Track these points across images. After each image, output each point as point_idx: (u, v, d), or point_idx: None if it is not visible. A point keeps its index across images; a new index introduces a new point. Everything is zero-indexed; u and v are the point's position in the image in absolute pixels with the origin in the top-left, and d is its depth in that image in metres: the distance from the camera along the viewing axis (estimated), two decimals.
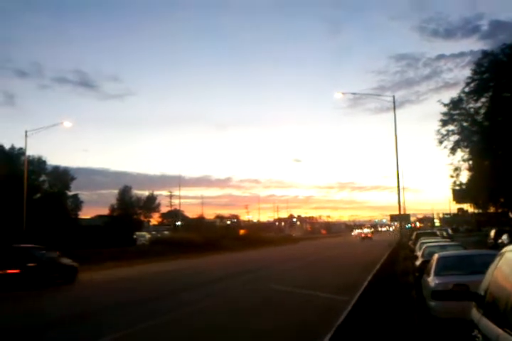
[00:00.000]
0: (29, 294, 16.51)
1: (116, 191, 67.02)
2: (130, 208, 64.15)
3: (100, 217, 64.49)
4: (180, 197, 79.64)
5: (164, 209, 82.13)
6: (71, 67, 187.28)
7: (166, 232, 70.09)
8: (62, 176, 54.84)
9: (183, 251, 40.33)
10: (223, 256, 39.01)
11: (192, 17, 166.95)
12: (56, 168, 54.45)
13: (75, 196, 57.51)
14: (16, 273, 17.32)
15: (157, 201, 71.54)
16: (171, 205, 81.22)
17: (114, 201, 65.42)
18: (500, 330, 3.38)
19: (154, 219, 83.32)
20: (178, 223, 79.24)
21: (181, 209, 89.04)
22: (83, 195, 75.27)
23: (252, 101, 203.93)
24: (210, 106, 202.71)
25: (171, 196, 79.55)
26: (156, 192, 73.42)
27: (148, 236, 62.66)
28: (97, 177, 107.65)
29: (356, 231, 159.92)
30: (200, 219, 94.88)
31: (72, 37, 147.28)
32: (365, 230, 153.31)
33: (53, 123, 35.81)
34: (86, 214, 69.49)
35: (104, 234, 44.99)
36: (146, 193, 71.03)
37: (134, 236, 56.24)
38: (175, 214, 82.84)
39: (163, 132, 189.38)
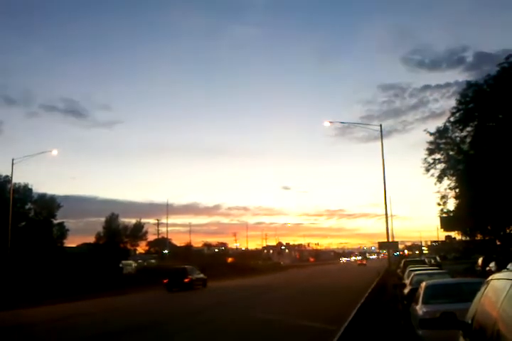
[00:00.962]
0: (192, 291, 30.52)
1: (103, 219, 66.21)
2: (117, 236, 63.24)
3: (86, 245, 63.49)
4: (167, 225, 78.96)
5: (151, 238, 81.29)
6: (60, 95, 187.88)
7: (152, 261, 69.09)
8: (49, 204, 54.22)
9: None
10: (210, 285, 38.35)
11: (181, 48, 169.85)
12: (42, 196, 53.90)
13: (61, 224, 56.75)
14: (188, 282, 32.97)
15: (144, 229, 70.79)
16: (158, 233, 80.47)
17: (100, 229, 64.64)
18: None
19: (141, 248, 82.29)
20: (166, 251, 78.22)
21: (169, 237, 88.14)
22: (70, 222, 74.57)
23: (240, 130, 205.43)
24: (198, 134, 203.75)
25: (158, 224, 78.89)
26: (143, 220, 72.68)
27: (134, 264, 61.70)
28: (84, 205, 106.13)
29: (344, 259, 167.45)
30: (188, 247, 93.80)
31: (62, 65, 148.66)
32: (353, 258, 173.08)
33: (41, 151, 35.72)
34: (72, 242, 68.47)
35: (89, 262, 44.22)
36: (133, 221, 70.26)
37: (120, 265, 55.35)
38: (162, 242, 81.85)
39: (152, 160, 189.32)
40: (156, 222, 78.77)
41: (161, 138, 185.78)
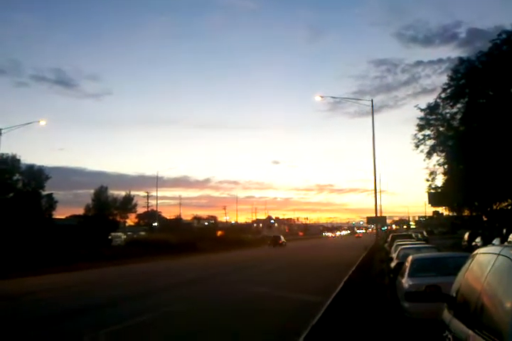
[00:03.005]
0: None
1: (92, 191, 65.75)
2: (106, 208, 62.92)
3: (75, 217, 63.27)
4: (157, 198, 79.15)
5: (141, 210, 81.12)
6: (50, 65, 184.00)
7: (142, 233, 69.28)
8: (37, 175, 53.66)
9: (158, 253, 39.92)
10: (198, 258, 38.66)
11: (173, 18, 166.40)
12: (30, 167, 53.26)
13: (50, 195, 56.31)
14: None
15: (134, 201, 70.27)
16: (148, 206, 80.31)
17: (89, 201, 64.35)
18: (470, 331, 3.38)
19: (131, 220, 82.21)
20: (155, 224, 78.42)
21: (159, 210, 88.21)
22: (58, 194, 74.04)
23: (232, 103, 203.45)
24: (189, 107, 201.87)
25: (148, 196, 78.62)
26: (133, 193, 72.06)
27: (123, 236, 61.91)
28: (73, 176, 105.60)
29: (328, 234, 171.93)
30: (177, 220, 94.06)
31: (51, 35, 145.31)
32: (338, 233, 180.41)
33: (29, 121, 35.13)
34: (61, 214, 68.20)
35: (78, 234, 44.27)
36: (123, 193, 69.91)
37: (110, 237, 55.54)
38: (151, 215, 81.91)
39: (142, 132, 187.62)
40: (146, 194, 78.63)
41: (152, 110, 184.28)
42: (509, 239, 24.34)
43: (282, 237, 70.26)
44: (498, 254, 3.41)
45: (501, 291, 3.02)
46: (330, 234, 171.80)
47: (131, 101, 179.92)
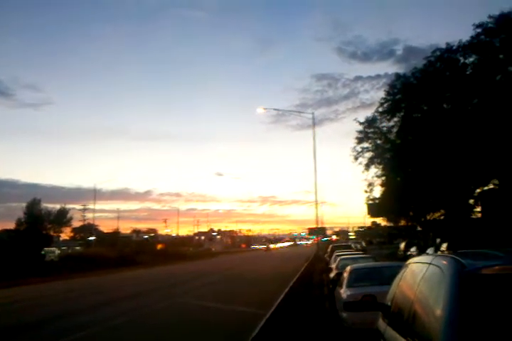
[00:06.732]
0: None
1: (25, 204, 62.55)
2: (39, 222, 59.98)
3: (6, 231, 60.02)
4: (94, 211, 76.42)
5: (77, 224, 78.13)
6: None
7: (77, 248, 66.73)
8: None
9: (94, 268, 38.46)
10: (135, 273, 37.53)
11: (118, 28, 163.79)
12: None
13: None
14: None
15: (69, 215, 67.25)
16: (84, 219, 77.56)
17: (21, 214, 61.15)
18: (403, 339, 3.37)
19: (65, 234, 78.60)
20: (91, 238, 75.67)
21: (96, 223, 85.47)
22: None
23: (174, 115, 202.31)
24: (131, 118, 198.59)
25: (84, 209, 76.02)
26: (69, 206, 69.29)
27: (58, 251, 59.48)
28: (5, 189, 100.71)
29: (258, 246, 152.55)
30: (115, 234, 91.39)
31: None
32: (263, 246, 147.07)
33: None
34: None
35: (9, 250, 41.90)
36: (58, 207, 67.04)
37: (43, 252, 53.08)
38: (88, 228, 79.07)
39: (81, 143, 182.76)
40: (83, 207, 75.90)
41: (92, 121, 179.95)
42: (442, 249, 25.31)
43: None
44: (430, 264, 3.45)
45: (432, 300, 3.02)
46: (258, 246, 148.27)
47: (72, 111, 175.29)
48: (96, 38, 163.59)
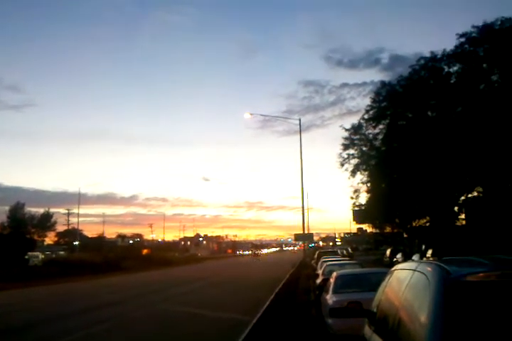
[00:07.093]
0: None
1: (7, 208, 61.69)
2: (22, 226, 59.15)
3: None
4: (78, 215, 75.45)
5: (61, 228, 77.09)
6: None
7: (61, 252, 65.96)
8: None
9: (78, 273, 37.97)
10: (119, 278, 37.08)
11: (104, 31, 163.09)
12: None
13: None
14: None
15: (53, 219, 66.44)
16: (69, 224, 76.51)
17: (4, 218, 60.32)
18: None
19: (50, 239, 77.74)
20: (76, 243, 74.80)
21: (81, 228, 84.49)
22: None
23: (162, 119, 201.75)
24: (117, 122, 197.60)
25: (68, 214, 75.01)
26: (53, 210, 68.41)
27: (41, 256, 58.75)
28: None
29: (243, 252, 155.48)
30: (100, 239, 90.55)
31: None
32: (248, 252, 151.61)
33: None
34: None
35: None
36: (42, 211, 66.19)
37: (26, 257, 52.39)
38: (72, 233, 78.10)
39: (65, 146, 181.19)
40: (67, 211, 74.94)
41: (77, 124, 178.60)
42: (427, 255, 25.46)
43: None
44: (415, 270, 3.46)
45: (417, 306, 3.03)
46: (242, 252, 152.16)
47: (56, 113, 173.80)
48: (79, 40, 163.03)
